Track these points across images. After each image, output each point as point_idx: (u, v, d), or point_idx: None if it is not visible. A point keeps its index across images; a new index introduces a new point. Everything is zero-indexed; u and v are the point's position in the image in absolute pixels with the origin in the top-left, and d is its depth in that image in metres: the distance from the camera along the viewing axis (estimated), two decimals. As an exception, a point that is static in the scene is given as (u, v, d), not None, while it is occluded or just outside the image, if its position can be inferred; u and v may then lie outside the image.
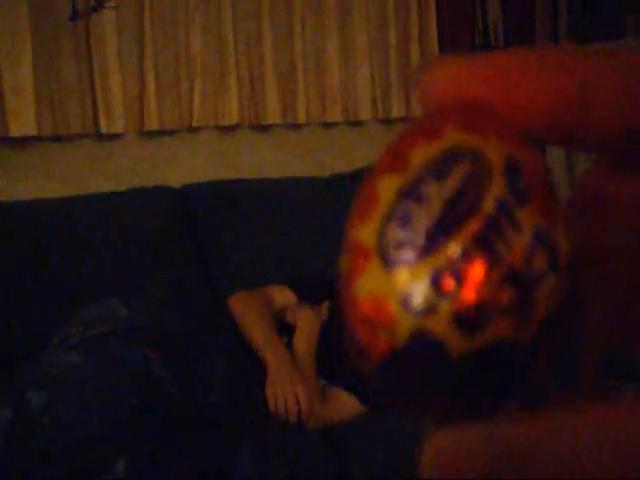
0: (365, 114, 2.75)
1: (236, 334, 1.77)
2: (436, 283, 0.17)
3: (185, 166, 2.48)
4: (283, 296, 1.97)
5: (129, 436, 1.40)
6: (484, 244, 0.18)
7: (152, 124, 2.35)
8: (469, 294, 0.17)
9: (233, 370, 1.65)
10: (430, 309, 0.17)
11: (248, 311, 1.85)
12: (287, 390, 1.68)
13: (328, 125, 2.76)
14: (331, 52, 2.66)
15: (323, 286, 2.04)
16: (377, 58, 2.76)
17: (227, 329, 1.77)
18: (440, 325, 0.17)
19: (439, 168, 0.18)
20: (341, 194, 2.53)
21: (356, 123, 2.81)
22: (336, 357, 1.80)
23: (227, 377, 1.60)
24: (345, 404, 1.77)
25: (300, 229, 2.37)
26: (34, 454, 1.34)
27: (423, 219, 0.18)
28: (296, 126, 2.69)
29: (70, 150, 2.29)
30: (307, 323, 1.87)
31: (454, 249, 0.18)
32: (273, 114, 2.56)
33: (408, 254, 0.18)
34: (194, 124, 2.44)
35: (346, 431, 1.67)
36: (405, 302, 0.18)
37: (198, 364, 1.58)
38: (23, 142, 2.20)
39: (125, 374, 1.46)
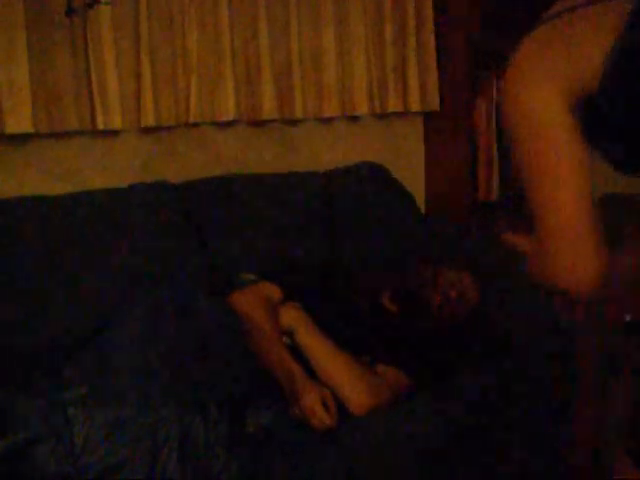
0: (362, 109, 2.75)
1: (237, 337, 1.75)
2: None
3: (182, 162, 2.47)
4: (272, 292, 1.99)
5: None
6: None
7: (149, 120, 2.33)
8: None
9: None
10: None
11: (255, 314, 1.86)
12: (320, 396, 1.68)
13: (325, 120, 2.75)
14: (327, 47, 2.66)
15: (308, 280, 2.06)
16: (373, 53, 2.75)
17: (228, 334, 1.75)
18: None
19: None
20: (338, 189, 2.53)
21: (353, 118, 2.81)
22: (385, 338, 1.92)
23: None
24: (393, 376, 1.84)
25: (298, 224, 2.37)
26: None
27: None
28: (293, 121, 2.68)
29: (67, 147, 2.27)
30: (302, 322, 1.89)
31: None
32: (270, 109, 2.55)
33: None
34: (191, 120, 2.42)
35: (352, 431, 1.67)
36: None
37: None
38: (19, 139, 2.18)
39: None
